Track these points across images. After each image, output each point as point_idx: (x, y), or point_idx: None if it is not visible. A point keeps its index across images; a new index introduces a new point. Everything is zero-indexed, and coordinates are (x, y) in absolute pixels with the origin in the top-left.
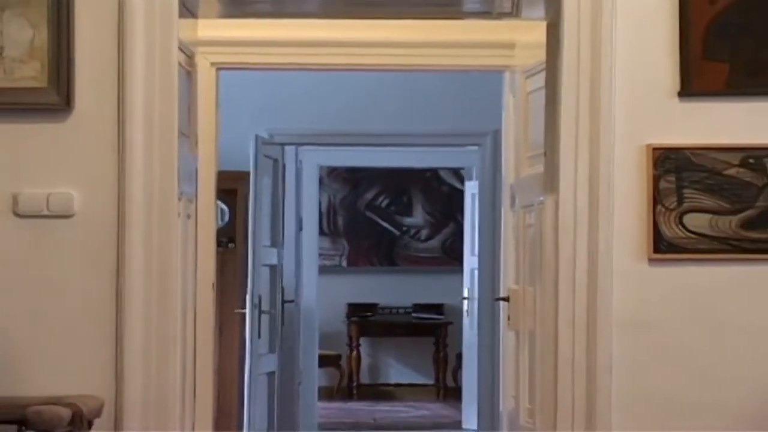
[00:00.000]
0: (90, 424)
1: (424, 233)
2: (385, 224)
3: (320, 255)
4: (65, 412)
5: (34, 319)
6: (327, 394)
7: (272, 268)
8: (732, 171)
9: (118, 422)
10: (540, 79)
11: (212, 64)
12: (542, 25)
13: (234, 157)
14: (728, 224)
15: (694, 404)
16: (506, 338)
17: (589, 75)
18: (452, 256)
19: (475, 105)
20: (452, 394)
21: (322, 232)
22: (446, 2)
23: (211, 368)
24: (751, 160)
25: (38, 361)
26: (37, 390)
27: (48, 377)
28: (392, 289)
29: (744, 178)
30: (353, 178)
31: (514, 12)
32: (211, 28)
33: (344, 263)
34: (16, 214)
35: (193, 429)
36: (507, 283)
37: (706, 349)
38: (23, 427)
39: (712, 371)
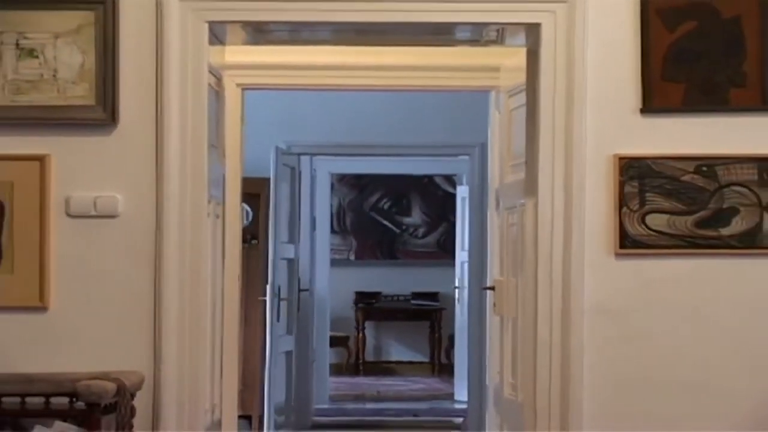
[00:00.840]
0: (132, 396)
1: (421, 231)
2: (387, 223)
3: (331, 250)
4: (111, 386)
5: (84, 305)
6: (337, 370)
7: (290, 261)
8: (687, 177)
9: (156, 394)
10: (521, 98)
11: (238, 84)
12: (523, 51)
13: (257, 166)
14: (684, 223)
15: (653, 379)
16: (492, 322)
17: (563, 94)
18: (445, 251)
19: (465, 120)
20: (445, 370)
21: (333, 230)
22: (440, 32)
23: (236, 348)
24: (704, 168)
25: (87, 341)
26: (86, 366)
27: (95, 355)
28: (393, 280)
29: (698, 184)
30: (360, 184)
31: (499, 40)
32: (237, 53)
33: (352, 257)
34: (69, 215)
35: (221, 401)
36: (493, 274)
37: (664, 332)
38: (74, 399)
39: (669, 351)
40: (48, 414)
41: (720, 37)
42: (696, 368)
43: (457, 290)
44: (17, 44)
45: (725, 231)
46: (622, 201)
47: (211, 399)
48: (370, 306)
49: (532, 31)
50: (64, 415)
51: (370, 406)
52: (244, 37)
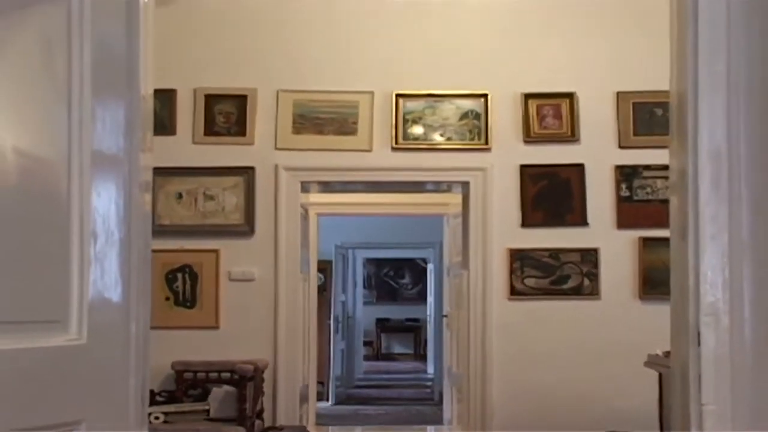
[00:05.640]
0: (262, 372)
1: (410, 286)
2: (392, 283)
3: (363, 296)
4: (251, 367)
5: (238, 326)
6: (366, 358)
7: (342, 302)
8: (546, 259)
9: (275, 371)
10: (460, 219)
11: (316, 213)
12: (460, 195)
13: (325, 253)
14: (544, 283)
15: (529, 359)
16: (446, 333)
17: (481, 217)
18: (422, 297)
19: (431, 230)
20: (422, 357)
21: (364, 286)
22: (417, 186)
23: (315, 347)
24: (553, 255)
25: (239, 344)
26: (239, 357)
27: (243, 351)
28: (396, 311)
29: (550, 262)
30: (378, 262)
31: (448, 189)
32: (315, 197)
33: (374, 300)
34: (230, 279)
35: (308, 373)
36: (446, 308)
37: (533, 336)
38: (233, 374)
39: (535, 343)
40: (219, 381)
41: (560, 189)
42: (548, 349)
43: (428, 317)
44: (204, 193)
45: (565, 287)
46: (512, 271)
47: (303, 373)
48: (383, 325)
49: (465, 185)
50: (228, 383)
51: (384, 375)
52: (318, 189)
